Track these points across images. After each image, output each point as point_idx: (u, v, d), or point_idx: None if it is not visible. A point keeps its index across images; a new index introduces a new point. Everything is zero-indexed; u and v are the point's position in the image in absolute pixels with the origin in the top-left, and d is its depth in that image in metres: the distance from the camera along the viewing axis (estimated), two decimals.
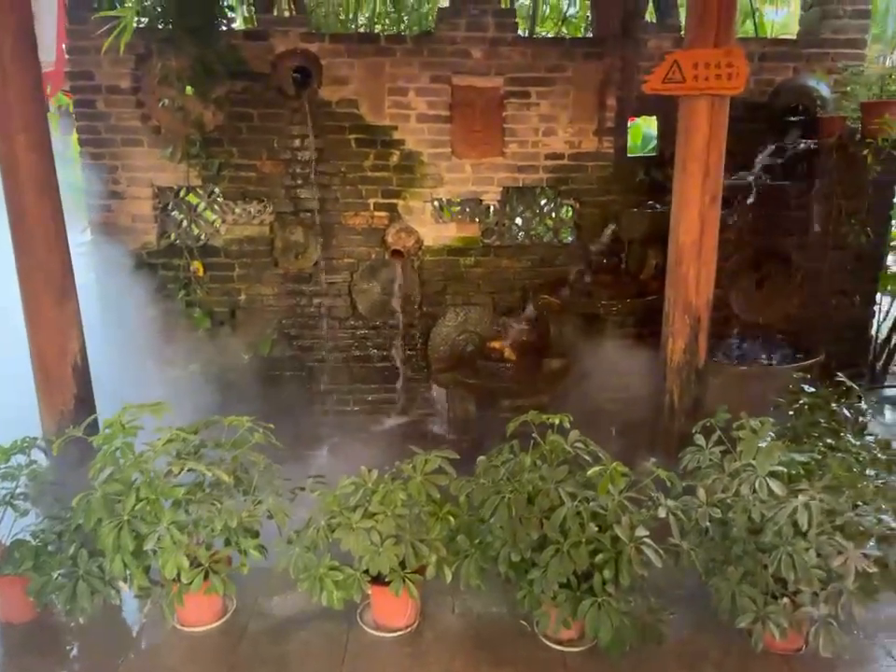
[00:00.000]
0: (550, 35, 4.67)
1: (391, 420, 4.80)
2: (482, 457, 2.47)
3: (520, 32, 4.41)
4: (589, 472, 2.30)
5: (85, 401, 3.40)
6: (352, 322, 4.79)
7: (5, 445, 2.83)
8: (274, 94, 4.34)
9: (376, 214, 4.61)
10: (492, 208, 4.66)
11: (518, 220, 4.77)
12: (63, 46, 4.00)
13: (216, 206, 4.60)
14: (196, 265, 4.53)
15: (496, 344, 4.35)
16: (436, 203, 4.64)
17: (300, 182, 4.51)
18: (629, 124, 4.63)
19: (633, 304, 4.11)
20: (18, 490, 2.79)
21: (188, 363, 4.58)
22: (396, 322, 4.78)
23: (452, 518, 2.50)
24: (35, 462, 2.91)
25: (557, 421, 2.55)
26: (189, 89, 4.31)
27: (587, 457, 2.45)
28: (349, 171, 4.51)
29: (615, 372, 4.06)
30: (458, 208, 4.70)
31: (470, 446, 4.32)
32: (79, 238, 4.90)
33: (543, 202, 4.73)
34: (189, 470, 2.48)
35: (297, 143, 4.43)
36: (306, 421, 4.69)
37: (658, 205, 4.36)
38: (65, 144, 5.96)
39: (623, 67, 4.39)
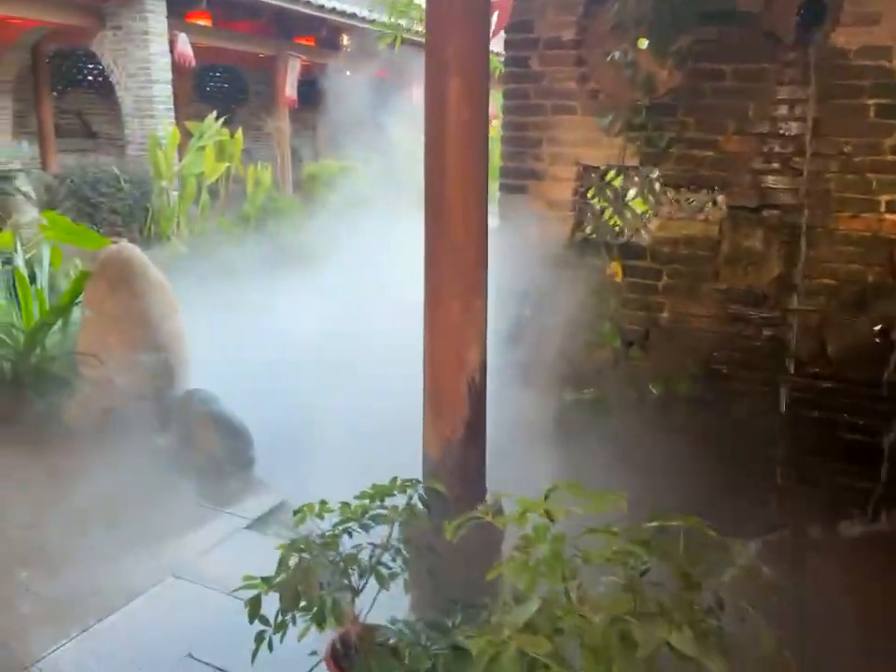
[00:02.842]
0: None
1: (860, 521, 3.26)
2: None
3: None
4: None
5: (474, 430, 2.64)
6: (815, 369, 3.35)
7: (384, 483, 2.15)
8: (763, 42, 3.12)
9: (887, 216, 3.10)
10: None
11: None
12: None
13: (650, 194, 3.57)
14: (615, 267, 3.56)
15: None
16: None
17: (774, 166, 3.23)
18: None
19: None
20: (392, 540, 2.09)
21: (582, 387, 3.67)
22: (885, 380, 3.22)
23: None
24: (414, 505, 2.19)
25: None
26: (641, 40, 3.34)
27: None
28: (856, 152, 3.08)
29: None
30: None
31: None
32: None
33: None
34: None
35: (783, 110, 3.15)
36: (727, 493, 3.43)
37: None
38: None
39: None
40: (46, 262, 4.64)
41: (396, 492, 2.19)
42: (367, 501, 2.12)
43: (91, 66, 12.55)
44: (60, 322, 4.16)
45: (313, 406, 3.76)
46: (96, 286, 3.96)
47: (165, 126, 9.34)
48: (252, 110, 14.96)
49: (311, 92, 15.26)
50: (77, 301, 4.09)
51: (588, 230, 3.70)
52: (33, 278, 4.50)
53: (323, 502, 2.08)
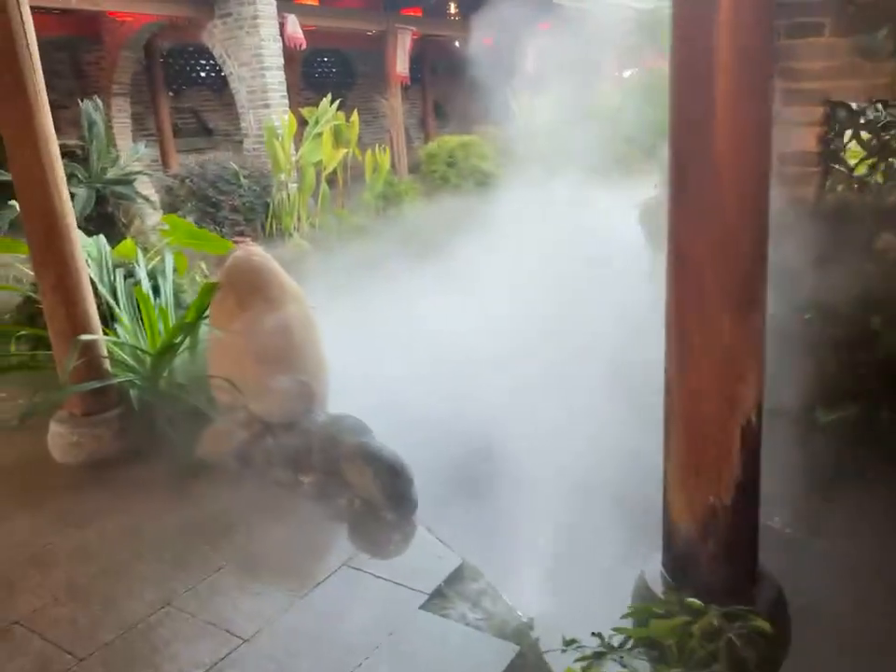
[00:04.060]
0: None
1: None
2: None
3: None
4: None
5: (747, 494, 1.84)
6: None
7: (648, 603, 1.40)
8: None
9: None
10: None
11: None
12: None
13: None
14: (887, 240, 2.61)
15: None
16: None
17: None
18: None
19: None
20: None
21: (841, 404, 2.75)
22: None
23: None
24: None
25: None
26: None
27: None
28: None
29: None
30: None
31: None
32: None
33: None
34: None
35: None
36: None
37: None
38: None
39: None
40: (169, 272, 4.21)
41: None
42: (627, 638, 1.39)
43: (203, 62, 12.47)
44: (187, 341, 3.70)
45: (482, 434, 3.08)
46: (223, 299, 3.45)
47: (280, 115, 8.96)
48: (361, 93, 14.51)
49: (419, 67, 14.61)
50: (203, 315, 3.60)
51: (840, 188, 2.76)
52: (157, 290, 4.08)
53: (572, 642, 1.36)
